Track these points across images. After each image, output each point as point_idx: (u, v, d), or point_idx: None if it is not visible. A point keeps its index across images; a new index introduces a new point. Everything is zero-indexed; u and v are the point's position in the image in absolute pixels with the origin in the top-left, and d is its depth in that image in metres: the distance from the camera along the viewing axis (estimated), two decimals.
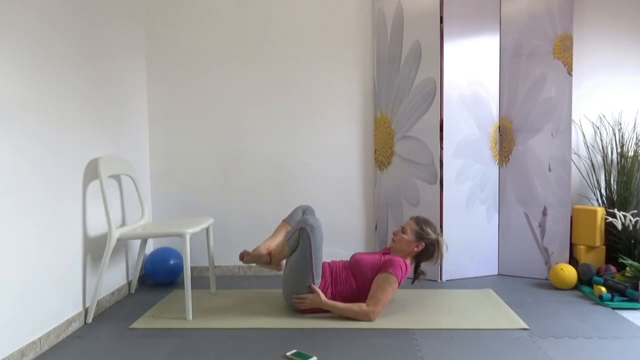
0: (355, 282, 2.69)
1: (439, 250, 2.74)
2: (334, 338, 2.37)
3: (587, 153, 3.49)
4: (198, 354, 2.22)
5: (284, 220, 2.91)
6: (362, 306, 2.58)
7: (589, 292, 2.99)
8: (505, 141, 3.42)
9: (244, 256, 2.78)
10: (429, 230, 2.74)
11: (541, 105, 3.30)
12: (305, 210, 2.92)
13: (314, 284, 2.63)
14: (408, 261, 2.72)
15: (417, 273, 2.80)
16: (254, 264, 3.03)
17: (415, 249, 2.72)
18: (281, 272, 2.84)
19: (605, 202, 3.38)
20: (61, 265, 2.43)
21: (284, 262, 2.83)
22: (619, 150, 3.37)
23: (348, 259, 2.84)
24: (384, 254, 2.80)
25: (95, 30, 2.80)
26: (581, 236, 3.25)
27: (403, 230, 2.76)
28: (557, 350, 2.20)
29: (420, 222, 2.77)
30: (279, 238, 2.82)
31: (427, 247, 2.72)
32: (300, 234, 2.60)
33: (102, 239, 2.81)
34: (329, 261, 2.81)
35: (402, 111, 3.39)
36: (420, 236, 2.72)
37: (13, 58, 2.10)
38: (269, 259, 2.77)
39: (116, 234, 2.69)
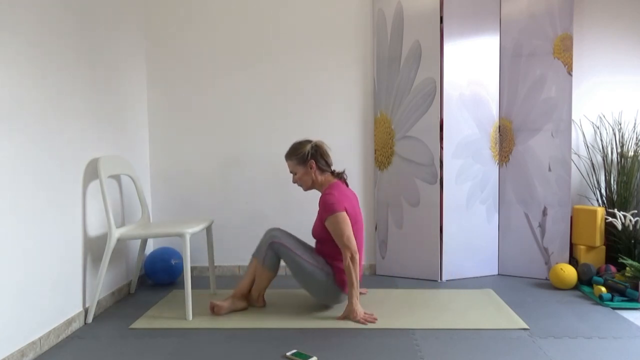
0: (334, 243, 2.61)
1: (322, 147, 2.72)
2: (334, 338, 2.37)
3: (587, 153, 3.49)
4: (198, 354, 2.22)
5: (254, 256, 2.79)
6: (347, 264, 2.53)
7: (589, 292, 2.99)
8: (505, 141, 3.42)
9: (214, 308, 2.69)
10: (302, 149, 2.70)
11: (541, 105, 3.30)
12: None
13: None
14: (331, 186, 2.68)
15: (337, 175, 2.77)
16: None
17: (312, 169, 2.69)
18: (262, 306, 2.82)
19: (605, 202, 3.38)
20: (61, 265, 2.43)
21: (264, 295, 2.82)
22: (619, 150, 3.37)
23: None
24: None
25: (95, 31, 2.80)
26: (581, 236, 3.25)
27: (294, 174, 2.74)
28: (557, 350, 2.20)
29: (290, 155, 2.74)
30: (251, 277, 2.77)
31: (316, 159, 2.69)
32: (274, 249, 2.58)
33: (102, 239, 2.81)
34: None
35: (402, 111, 3.38)
36: (302, 160, 2.69)
37: (14, 59, 2.10)
38: (246, 304, 2.76)
39: (116, 234, 2.69)
